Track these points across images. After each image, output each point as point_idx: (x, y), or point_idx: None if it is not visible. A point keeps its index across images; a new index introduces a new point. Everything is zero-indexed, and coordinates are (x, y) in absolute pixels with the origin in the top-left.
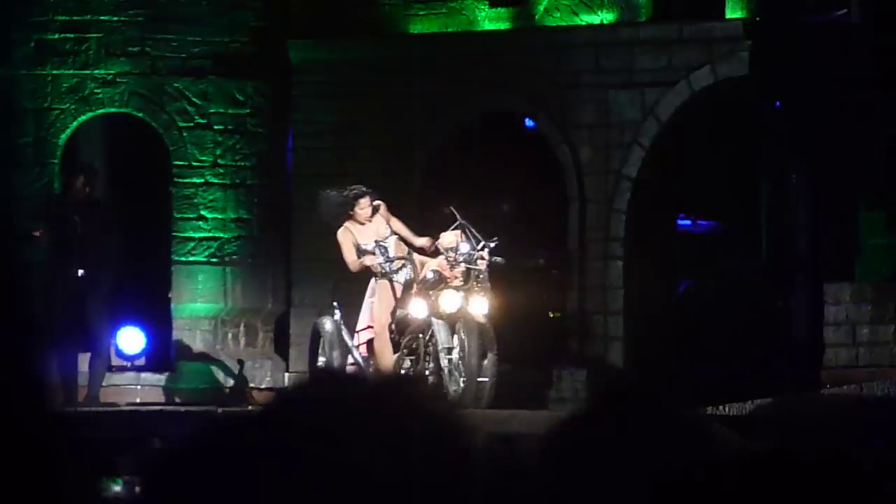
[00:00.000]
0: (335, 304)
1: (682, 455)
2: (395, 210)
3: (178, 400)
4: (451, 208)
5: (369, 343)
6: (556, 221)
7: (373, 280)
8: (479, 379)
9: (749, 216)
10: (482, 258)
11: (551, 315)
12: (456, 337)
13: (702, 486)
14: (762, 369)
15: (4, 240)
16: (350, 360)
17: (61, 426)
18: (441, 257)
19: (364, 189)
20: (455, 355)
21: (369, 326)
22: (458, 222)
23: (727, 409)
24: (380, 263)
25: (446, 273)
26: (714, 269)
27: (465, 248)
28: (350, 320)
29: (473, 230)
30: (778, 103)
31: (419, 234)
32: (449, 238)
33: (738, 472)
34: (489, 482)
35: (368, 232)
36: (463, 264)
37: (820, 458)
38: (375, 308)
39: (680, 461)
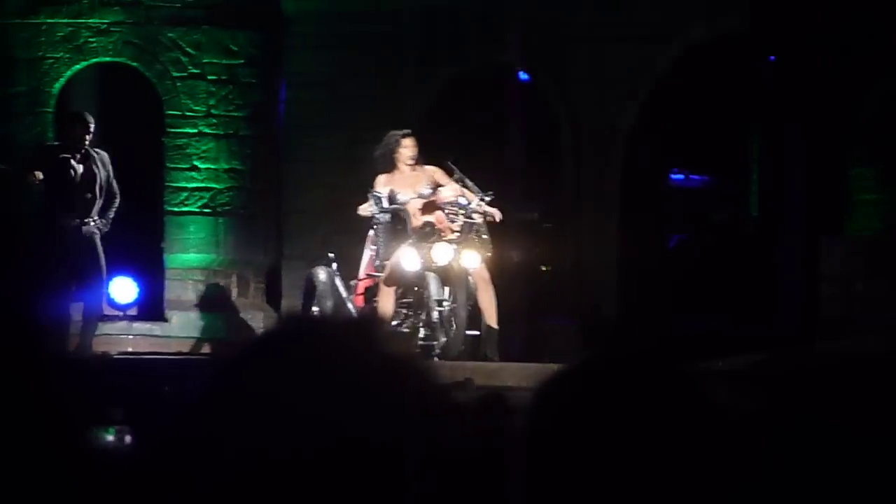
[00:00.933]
0: (331, 254)
1: (676, 414)
2: (389, 163)
3: (169, 350)
4: (450, 162)
5: (366, 293)
6: (549, 175)
7: (371, 230)
8: (469, 332)
9: (741, 171)
10: (477, 212)
11: (543, 268)
12: (447, 289)
13: (696, 445)
14: (754, 323)
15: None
16: (344, 311)
17: (58, 371)
18: (439, 211)
19: (410, 133)
20: (446, 307)
21: (368, 276)
22: (456, 175)
23: (719, 364)
24: (373, 213)
25: (443, 226)
26: (706, 223)
27: (463, 201)
28: (344, 271)
29: (472, 183)
30: (772, 58)
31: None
32: (448, 192)
33: (733, 431)
34: (472, 433)
35: (407, 183)
36: (462, 217)
37: (815, 419)
38: (379, 258)
39: (674, 420)
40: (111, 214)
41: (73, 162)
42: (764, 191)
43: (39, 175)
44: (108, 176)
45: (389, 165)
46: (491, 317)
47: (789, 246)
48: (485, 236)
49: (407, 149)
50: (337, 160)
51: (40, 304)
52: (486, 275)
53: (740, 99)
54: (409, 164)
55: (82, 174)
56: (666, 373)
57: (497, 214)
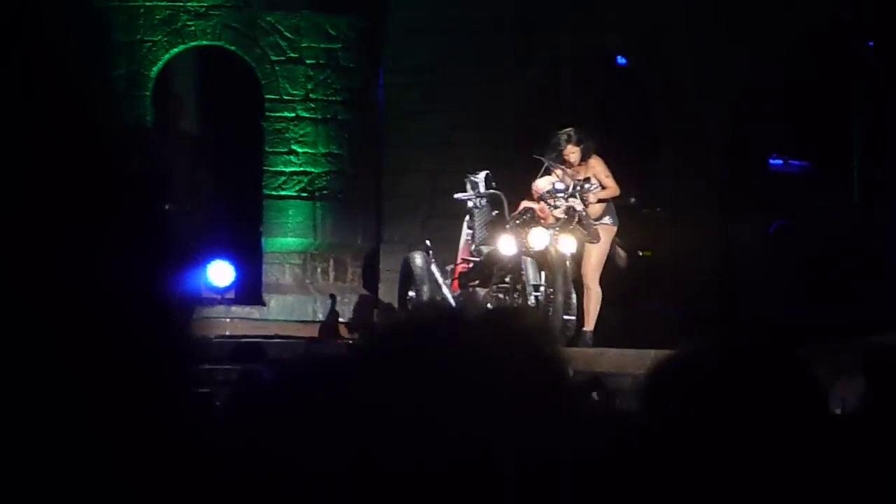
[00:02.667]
0: (427, 241)
1: (791, 401)
2: (485, 149)
3: (268, 333)
4: (535, 154)
5: (461, 278)
6: (648, 160)
7: (468, 216)
8: (566, 317)
9: (841, 157)
10: (576, 196)
11: (641, 254)
12: (544, 274)
13: (809, 432)
14: (853, 310)
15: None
16: (440, 296)
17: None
18: (542, 203)
19: (570, 135)
20: (542, 292)
21: (464, 261)
22: (545, 165)
23: (818, 350)
24: (469, 198)
25: (544, 214)
26: (806, 209)
27: (560, 186)
28: (442, 256)
29: (563, 168)
30: (871, 43)
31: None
32: (543, 183)
33: (840, 420)
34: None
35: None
36: (563, 203)
37: None
38: (475, 243)
39: (789, 407)
40: (207, 198)
41: (170, 145)
42: (865, 177)
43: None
44: (204, 159)
45: (559, 161)
46: (590, 321)
47: (890, 231)
48: (590, 222)
49: (568, 154)
50: (436, 145)
51: (159, 286)
52: (597, 288)
53: (841, 84)
54: (572, 163)
55: (179, 157)
56: (789, 361)
57: (592, 197)
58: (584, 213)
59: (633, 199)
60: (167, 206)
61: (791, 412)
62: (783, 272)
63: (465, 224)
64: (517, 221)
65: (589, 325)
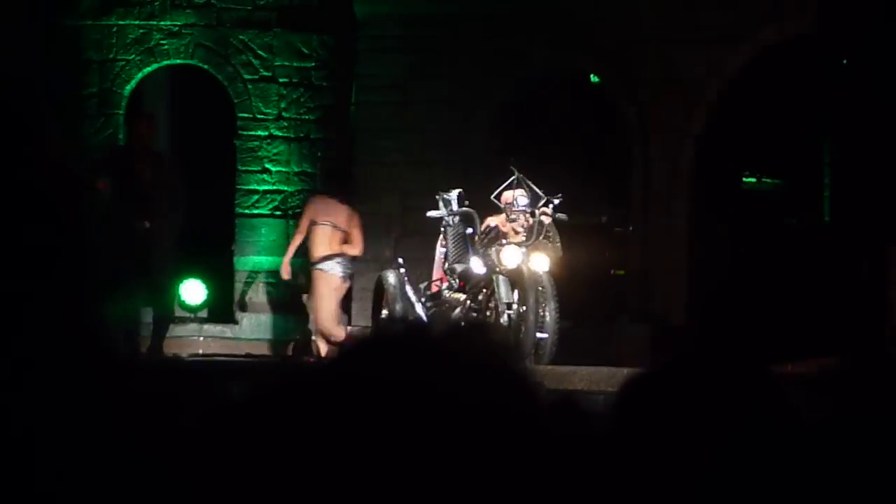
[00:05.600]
0: (400, 259)
1: (762, 417)
2: (456, 167)
3: (240, 352)
4: (511, 165)
5: (436, 295)
6: (619, 178)
7: (441, 234)
8: (539, 335)
9: (813, 175)
10: (545, 213)
11: (613, 272)
12: (516, 292)
13: (778, 449)
14: (823, 329)
15: (70, 190)
16: (412, 314)
17: (123, 375)
18: (502, 214)
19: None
20: (515, 310)
21: (438, 279)
22: (515, 176)
23: (789, 368)
24: (441, 216)
25: (504, 228)
26: (778, 227)
27: (522, 201)
28: (415, 274)
29: (533, 185)
30: (844, 60)
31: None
32: (508, 194)
33: (810, 435)
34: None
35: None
36: (522, 218)
37: (885, 423)
38: (448, 261)
39: (760, 423)
40: (180, 217)
41: (141, 164)
42: (836, 196)
43: (105, 181)
44: (177, 178)
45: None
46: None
47: (860, 252)
48: (557, 239)
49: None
50: (407, 163)
51: (109, 307)
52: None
53: (812, 102)
54: None
55: (151, 176)
56: (756, 374)
57: (563, 217)
58: (551, 229)
59: (604, 218)
60: (146, 224)
61: (763, 428)
62: (753, 290)
63: (439, 242)
64: (484, 239)
65: None
